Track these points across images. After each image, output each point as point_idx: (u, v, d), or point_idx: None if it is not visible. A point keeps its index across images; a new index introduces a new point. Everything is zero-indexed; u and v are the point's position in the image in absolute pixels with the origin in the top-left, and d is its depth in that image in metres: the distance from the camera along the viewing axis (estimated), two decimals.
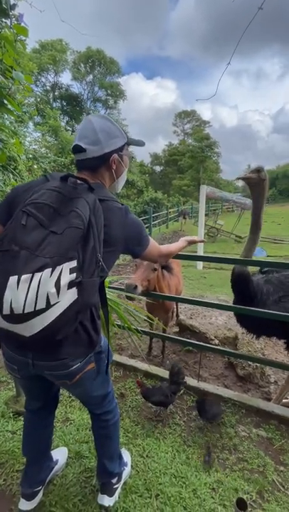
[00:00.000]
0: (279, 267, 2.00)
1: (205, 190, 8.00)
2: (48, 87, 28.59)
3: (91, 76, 30.51)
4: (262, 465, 1.55)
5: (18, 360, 0.94)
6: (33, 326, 0.73)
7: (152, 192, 19.41)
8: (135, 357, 2.68)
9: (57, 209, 0.78)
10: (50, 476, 1.37)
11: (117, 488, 1.30)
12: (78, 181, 0.87)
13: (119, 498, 1.30)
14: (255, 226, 1.84)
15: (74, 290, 0.76)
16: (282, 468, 1.55)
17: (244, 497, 1.33)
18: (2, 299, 0.72)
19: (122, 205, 0.96)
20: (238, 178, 1.80)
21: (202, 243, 7.64)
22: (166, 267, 2.50)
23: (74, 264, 0.75)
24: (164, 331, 2.69)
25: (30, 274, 0.71)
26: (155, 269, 2.20)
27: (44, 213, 0.77)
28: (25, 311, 0.71)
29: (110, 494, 1.27)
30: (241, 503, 0.92)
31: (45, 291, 0.71)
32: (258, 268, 2.17)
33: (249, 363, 2.39)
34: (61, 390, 2.09)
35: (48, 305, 0.72)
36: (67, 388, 1.08)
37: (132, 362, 2.46)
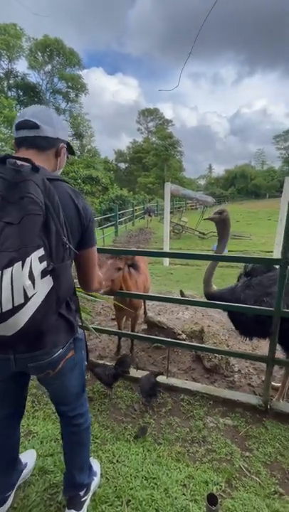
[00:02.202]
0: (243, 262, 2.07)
1: (169, 188, 8.12)
2: (1, 74, 26.42)
3: (50, 66, 28.93)
4: (229, 453, 1.60)
5: None
6: (16, 323, 0.71)
7: (118, 189, 19.22)
8: (103, 358, 2.60)
9: (5, 197, 0.72)
10: (20, 479, 1.33)
11: (85, 500, 1.24)
12: (19, 162, 0.78)
13: (87, 511, 1.23)
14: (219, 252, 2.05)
15: (48, 278, 0.75)
16: (247, 453, 1.61)
17: (214, 489, 1.36)
18: None
19: (73, 187, 0.94)
20: (205, 219, 2.16)
21: (168, 240, 7.76)
22: (132, 265, 2.46)
23: (42, 252, 0.73)
24: (133, 329, 2.65)
25: (0, 272, 0.67)
26: (119, 269, 2.14)
27: None
28: (4, 310, 0.68)
29: (78, 508, 1.20)
30: (212, 499, 0.92)
31: (21, 285, 0.69)
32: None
33: (215, 354, 2.46)
34: None
35: (27, 298, 0.71)
36: (46, 383, 1.07)
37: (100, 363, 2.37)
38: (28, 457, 1.43)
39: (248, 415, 1.88)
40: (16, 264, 0.68)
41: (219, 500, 1.24)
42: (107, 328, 2.38)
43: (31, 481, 1.37)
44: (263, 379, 2.05)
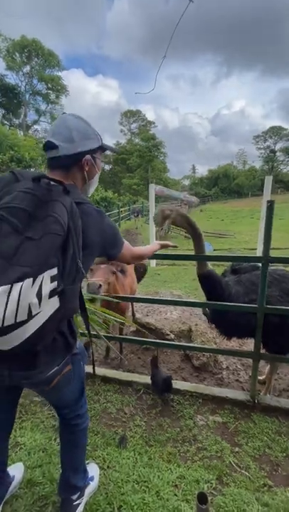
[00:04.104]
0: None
1: (154, 189, 8.17)
2: None
3: (28, 67, 28.41)
4: (219, 450, 1.62)
5: None
6: (14, 339, 0.71)
7: (102, 191, 19.06)
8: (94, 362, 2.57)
9: (32, 213, 0.74)
10: (8, 493, 1.29)
11: (78, 505, 1.23)
12: (52, 183, 0.82)
13: None
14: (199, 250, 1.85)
15: (56, 299, 0.75)
16: (237, 449, 1.64)
17: (205, 487, 1.37)
18: None
19: (98, 208, 0.95)
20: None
21: (154, 241, 7.79)
22: (121, 269, 2.46)
23: (55, 271, 0.73)
24: (121, 332, 2.64)
25: (9, 285, 0.67)
26: (114, 272, 2.20)
27: (19, 218, 0.73)
28: (5, 324, 0.68)
29: None
30: (202, 497, 0.93)
31: (27, 302, 0.69)
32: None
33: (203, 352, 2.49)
34: None
35: (30, 316, 0.70)
36: (43, 394, 1.10)
37: (88, 368, 2.34)
38: (16, 470, 1.40)
39: (237, 411, 1.91)
40: (26, 280, 0.68)
41: (209, 498, 1.26)
42: (94, 333, 2.35)
43: (19, 495, 1.32)
44: (250, 374, 2.09)
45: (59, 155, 0.90)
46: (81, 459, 1.26)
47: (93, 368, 1.25)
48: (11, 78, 28.10)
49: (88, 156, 0.95)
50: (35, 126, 31.59)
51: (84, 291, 1.86)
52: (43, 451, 1.57)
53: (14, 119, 29.41)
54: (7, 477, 1.29)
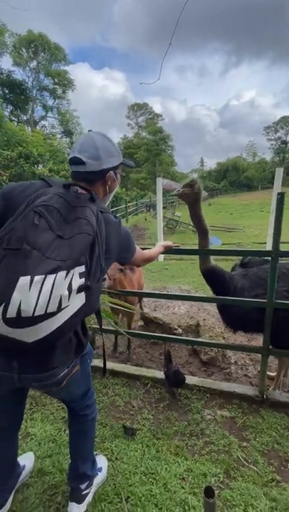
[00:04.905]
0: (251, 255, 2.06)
1: (161, 183, 8.10)
2: None
3: (35, 62, 28.31)
4: (227, 444, 1.62)
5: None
6: (40, 331, 0.72)
7: None
8: (100, 356, 2.60)
9: (63, 215, 0.80)
10: (19, 482, 1.33)
11: (86, 494, 1.25)
12: (80, 191, 0.90)
13: (87, 509, 1.23)
14: (203, 234, 1.81)
15: (83, 295, 0.78)
16: (245, 443, 1.63)
17: (212, 480, 1.37)
18: (9, 301, 0.68)
19: (116, 217, 1.01)
20: (174, 195, 1.90)
21: (162, 235, 7.76)
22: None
23: (83, 269, 0.77)
24: (129, 326, 2.65)
25: (43, 276, 0.70)
26: (122, 270, 2.21)
27: (53, 217, 0.78)
28: (36, 314, 0.70)
29: (79, 501, 1.22)
30: (209, 491, 0.93)
31: (59, 293, 0.72)
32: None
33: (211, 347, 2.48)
34: None
35: (59, 309, 0.73)
36: (50, 393, 1.14)
37: (96, 362, 2.36)
38: (26, 459, 1.44)
39: (245, 406, 1.90)
40: (60, 273, 0.72)
41: (217, 492, 1.26)
42: (103, 327, 2.37)
43: (30, 483, 1.36)
44: (259, 369, 2.07)
45: (85, 170, 0.97)
46: (90, 448, 1.29)
47: (104, 369, 1.24)
48: (18, 74, 28.08)
49: (111, 172, 1.03)
50: (43, 122, 31.64)
51: None
52: (52, 442, 1.61)
53: (22, 115, 29.54)
54: (17, 468, 1.32)
